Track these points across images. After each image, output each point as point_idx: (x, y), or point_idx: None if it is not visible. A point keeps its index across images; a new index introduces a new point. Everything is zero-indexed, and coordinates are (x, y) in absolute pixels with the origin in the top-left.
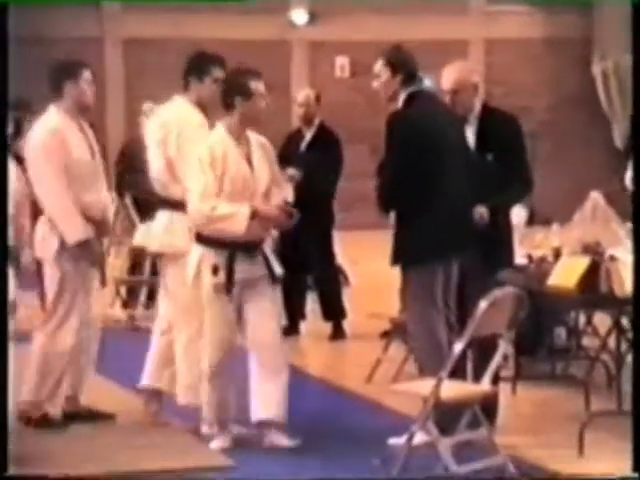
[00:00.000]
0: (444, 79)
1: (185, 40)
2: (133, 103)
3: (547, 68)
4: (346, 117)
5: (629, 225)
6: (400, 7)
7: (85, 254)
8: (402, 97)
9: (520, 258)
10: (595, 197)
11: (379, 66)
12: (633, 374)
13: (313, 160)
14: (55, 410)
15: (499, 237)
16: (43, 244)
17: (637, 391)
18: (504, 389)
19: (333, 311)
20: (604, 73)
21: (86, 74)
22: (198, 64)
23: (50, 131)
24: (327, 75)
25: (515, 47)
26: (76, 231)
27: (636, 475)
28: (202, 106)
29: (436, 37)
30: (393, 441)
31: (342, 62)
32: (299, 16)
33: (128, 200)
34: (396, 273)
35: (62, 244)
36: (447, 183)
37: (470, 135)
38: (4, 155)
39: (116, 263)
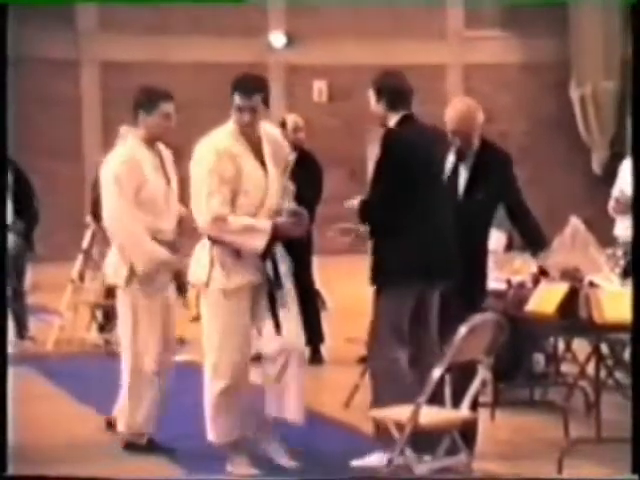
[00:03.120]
0: (451, 119)
1: (162, 63)
2: (110, 126)
3: (524, 93)
4: (323, 141)
5: (609, 251)
6: (378, 31)
7: (159, 277)
8: (393, 120)
9: (499, 283)
10: (575, 223)
11: (370, 91)
12: (632, 362)
13: (296, 185)
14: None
15: (475, 262)
16: (114, 271)
17: (637, 387)
18: (482, 415)
19: (311, 335)
20: (582, 98)
21: (164, 106)
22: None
23: (123, 161)
24: (305, 99)
25: (493, 72)
26: (146, 258)
27: (635, 477)
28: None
29: (414, 62)
30: (356, 463)
31: (320, 86)
32: (277, 39)
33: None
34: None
35: (132, 270)
36: (432, 209)
37: (464, 170)
38: (4, 158)
39: (92, 287)
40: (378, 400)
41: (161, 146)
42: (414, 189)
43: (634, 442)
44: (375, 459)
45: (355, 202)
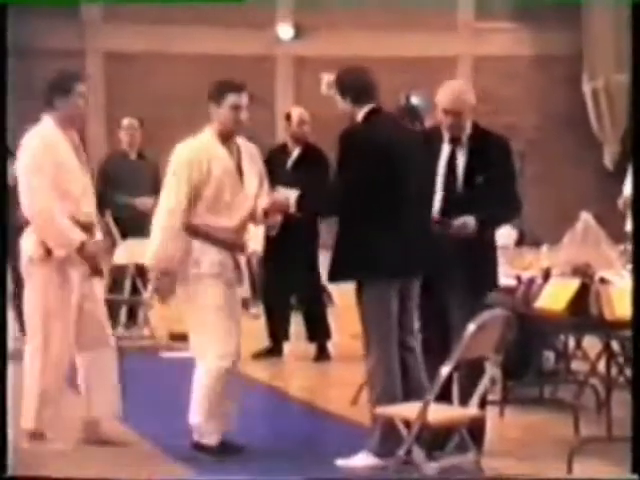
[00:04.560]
0: (442, 98)
1: (168, 55)
2: (114, 118)
3: (535, 86)
4: (331, 134)
5: (621, 247)
6: (387, 23)
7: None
8: (360, 115)
9: (509, 279)
10: (586, 218)
11: (333, 91)
12: (633, 362)
13: (301, 179)
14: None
15: (484, 258)
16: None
17: (636, 386)
18: (491, 413)
19: (318, 332)
20: (594, 92)
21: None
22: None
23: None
24: (312, 91)
25: (503, 64)
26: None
27: (635, 476)
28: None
29: (424, 54)
30: (341, 462)
31: (328, 78)
32: (285, 31)
33: (109, 217)
34: None
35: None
36: (406, 200)
37: (461, 156)
38: (4, 154)
39: None
40: (380, 397)
41: (241, 140)
42: (381, 181)
43: (634, 441)
44: (360, 459)
45: (291, 195)
